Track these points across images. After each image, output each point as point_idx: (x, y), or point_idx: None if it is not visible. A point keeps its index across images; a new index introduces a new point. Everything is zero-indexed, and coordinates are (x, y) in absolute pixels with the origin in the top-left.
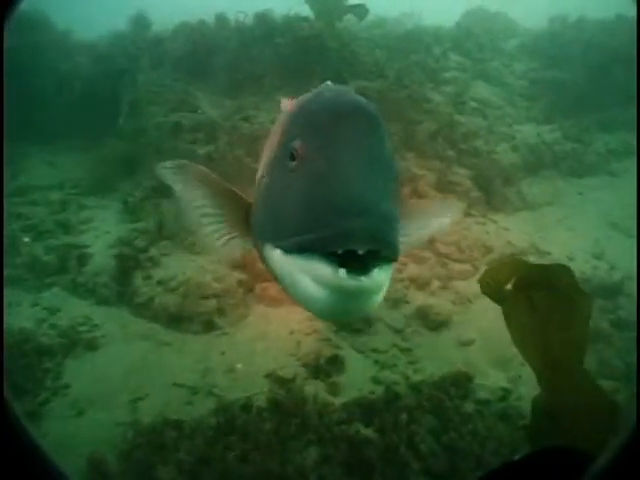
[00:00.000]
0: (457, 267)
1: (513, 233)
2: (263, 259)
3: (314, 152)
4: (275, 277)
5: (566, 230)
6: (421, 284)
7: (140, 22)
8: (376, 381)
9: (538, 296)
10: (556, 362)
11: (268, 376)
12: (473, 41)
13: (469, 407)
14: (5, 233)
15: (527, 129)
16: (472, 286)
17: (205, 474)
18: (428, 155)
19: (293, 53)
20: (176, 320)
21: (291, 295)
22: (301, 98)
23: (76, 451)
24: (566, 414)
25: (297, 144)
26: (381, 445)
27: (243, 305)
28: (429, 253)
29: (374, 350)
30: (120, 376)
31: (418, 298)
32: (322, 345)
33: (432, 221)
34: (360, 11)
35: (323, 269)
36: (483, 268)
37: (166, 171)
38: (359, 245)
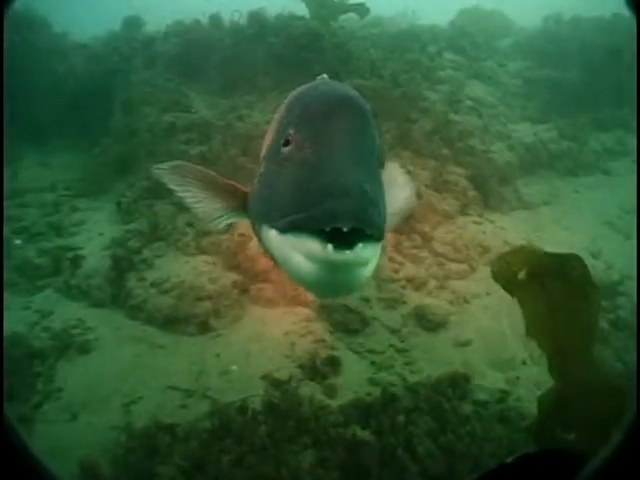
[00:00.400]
0: (454, 267)
1: (510, 232)
2: (261, 240)
3: (305, 140)
4: (272, 256)
5: (563, 229)
6: (418, 284)
7: (134, 22)
8: (373, 382)
9: (551, 284)
10: (566, 349)
11: (263, 378)
12: (468, 40)
13: (467, 408)
14: None
15: (522, 128)
16: (469, 286)
17: (199, 479)
18: (423, 154)
19: (287, 52)
20: (170, 322)
21: (286, 272)
22: (298, 89)
23: (69, 455)
24: (575, 398)
25: (291, 133)
26: (378, 448)
27: (238, 306)
28: (426, 252)
29: (370, 351)
30: (113, 379)
31: (415, 298)
32: (318, 346)
33: (398, 192)
34: (361, 10)
35: (313, 245)
36: (480, 268)
37: (161, 172)
38: (343, 223)
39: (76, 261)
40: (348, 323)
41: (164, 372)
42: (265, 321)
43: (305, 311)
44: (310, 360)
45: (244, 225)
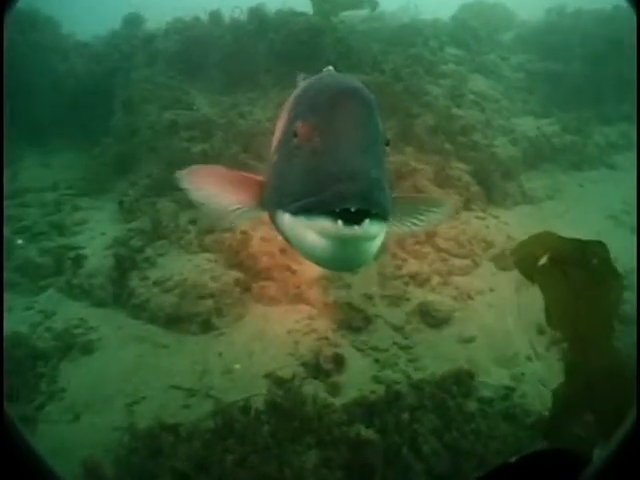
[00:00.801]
0: (457, 262)
1: (513, 227)
2: (275, 224)
3: (313, 130)
4: (286, 238)
5: (567, 224)
6: (421, 280)
7: (134, 20)
8: (377, 380)
9: (572, 271)
10: (587, 336)
11: (266, 376)
12: (470, 33)
13: (472, 406)
14: None
15: (525, 122)
16: (473, 282)
17: (203, 479)
18: (426, 149)
19: (287, 48)
20: (173, 321)
21: (300, 250)
22: (306, 82)
23: (72, 455)
24: (594, 384)
25: (299, 123)
26: (382, 446)
27: (240, 305)
28: (429, 248)
29: (374, 348)
30: (116, 379)
31: (418, 295)
32: (321, 344)
33: (428, 215)
34: (372, 3)
35: (324, 223)
36: (484, 263)
37: (181, 177)
38: (351, 204)
39: (78, 260)
40: (351, 321)
41: (167, 372)
42: (268, 319)
43: (308, 309)
44: (313, 358)
45: (246, 223)
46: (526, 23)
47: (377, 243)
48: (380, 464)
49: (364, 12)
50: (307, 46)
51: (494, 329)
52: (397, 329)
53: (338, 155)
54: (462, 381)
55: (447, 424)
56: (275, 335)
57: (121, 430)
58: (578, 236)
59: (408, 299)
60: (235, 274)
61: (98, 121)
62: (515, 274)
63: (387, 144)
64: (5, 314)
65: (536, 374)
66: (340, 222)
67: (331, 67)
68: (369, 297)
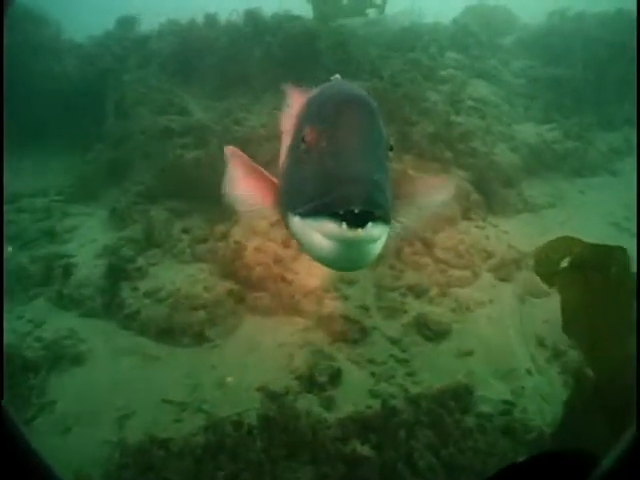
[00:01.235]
0: (456, 273)
1: (514, 237)
2: (287, 226)
3: (320, 136)
4: (297, 240)
5: (569, 232)
6: (419, 292)
7: (127, 21)
8: (373, 394)
9: (592, 276)
10: (603, 342)
11: (260, 390)
12: (471, 38)
13: (470, 421)
14: None
15: (526, 129)
16: (472, 293)
17: None
18: (425, 157)
19: (284, 53)
20: (165, 333)
21: (307, 252)
22: (315, 90)
23: (62, 470)
24: (609, 391)
25: (308, 129)
26: (378, 463)
27: (234, 316)
28: (427, 259)
29: (370, 361)
30: (106, 392)
31: (416, 307)
32: (316, 357)
33: (428, 200)
34: (378, 6)
35: (330, 225)
36: (483, 274)
37: (228, 151)
38: (354, 206)
39: (68, 269)
40: (347, 333)
41: (158, 385)
42: (262, 331)
43: (303, 321)
44: (308, 371)
45: (240, 232)
46: (528, 26)
47: (380, 244)
48: None
49: (370, 15)
50: (304, 50)
51: (494, 342)
52: (394, 342)
53: (342, 160)
54: (460, 395)
55: (444, 440)
56: (269, 347)
57: (111, 444)
58: None
59: (406, 311)
60: (229, 285)
61: (90, 125)
62: (515, 285)
63: (390, 149)
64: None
65: (537, 388)
66: (344, 225)
67: (338, 75)
68: (366, 309)
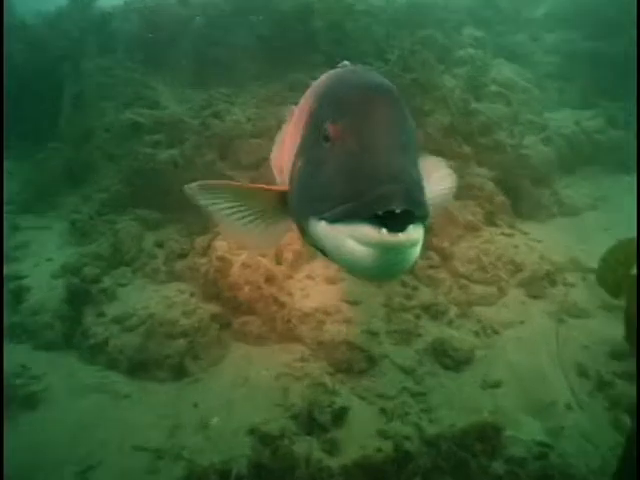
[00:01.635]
0: (479, 290)
1: (548, 246)
2: (307, 234)
3: (345, 132)
4: (319, 248)
5: (613, 239)
6: (435, 312)
7: None
8: (383, 435)
9: None
10: None
11: (250, 433)
12: (493, 10)
13: (499, 467)
14: None
15: (561, 116)
16: (499, 313)
17: None
18: (440, 153)
19: (272, 33)
20: (137, 366)
21: (338, 261)
22: (323, 81)
23: None
24: None
25: (330, 126)
26: None
27: (219, 345)
28: (444, 273)
29: (380, 396)
30: (67, 440)
31: (432, 330)
32: (316, 392)
33: (438, 180)
34: None
35: (367, 230)
36: (511, 290)
37: (192, 193)
38: (396, 206)
39: (19, 293)
40: (352, 362)
41: (129, 429)
42: (251, 362)
43: (300, 348)
44: (307, 409)
45: (224, 246)
46: None
47: (418, 248)
48: None
49: None
50: (296, 30)
51: (525, 371)
52: (407, 372)
53: (376, 157)
54: (487, 436)
55: None
56: (260, 381)
57: None
58: None
59: (420, 335)
60: (212, 308)
61: (43, 121)
62: (549, 303)
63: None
64: None
65: (578, 427)
66: (384, 229)
67: (347, 62)
68: (373, 333)
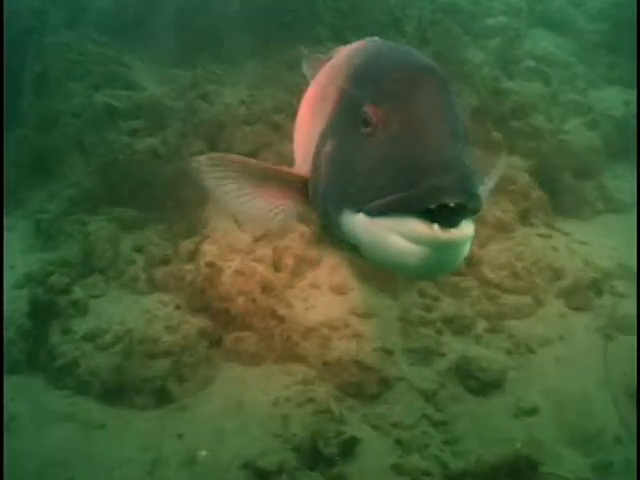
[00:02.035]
0: (512, 300)
1: (594, 248)
2: (335, 227)
3: (390, 116)
4: (348, 244)
5: None
6: (460, 327)
7: None
8: (399, 471)
9: None
10: None
11: (243, 467)
12: None
13: None
14: None
15: (609, 95)
16: (535, 328)
17: None
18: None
19: (269, 2)
20: (112, 391)
21: (376, 259)
22: (355, 57)
23: None
24: None
25: (371, 109)
26: None
27: (207, 365)
28: (471, 281)
29: (395, 425)
30: (31, 477)
31: (456, 347)
32: (321, 420)
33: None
34: None
35: (416, 225)
36: (550, 301)
37: (199, 167)
38: (451, 199)
39: None
40: (363, 385)
41: (103, 463)
42: (246, 385)
43: (302, 369)
44: (310, 440)
45: (213, 250)
46: None
47: (469, 245)
48: None
49: None
50: (295, 1)
51: (566, 396)
52: (427, 397)
53: (426, 145)
54: (520, 472)
55: None
56: (256, 407)
57: None
58: None
59: (442, 354)
60: (200, 322)
61: (4, 105)
62: (595, 316)
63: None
64: None
65: (630, 463)
66: (436, 225)
67: (376, 37)
68: (388, 352)
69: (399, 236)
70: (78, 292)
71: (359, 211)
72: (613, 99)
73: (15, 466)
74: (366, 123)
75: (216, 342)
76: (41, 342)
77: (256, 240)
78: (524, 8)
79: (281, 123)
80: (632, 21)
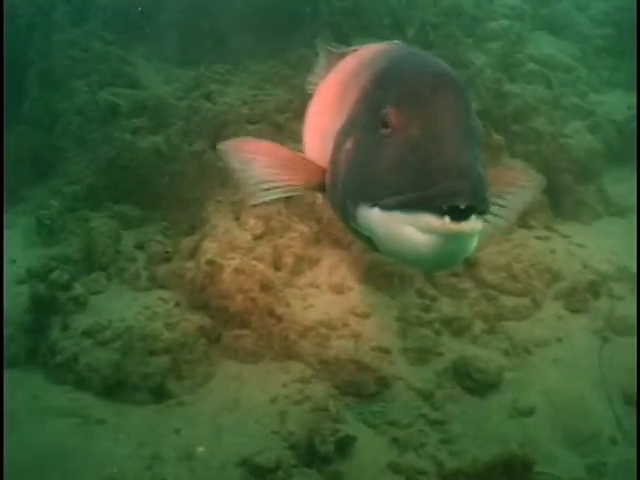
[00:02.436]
0: (510, 302)
1: (591, 252)
2: (351, 219)
3: (409, 119)
4: (358, 234)
5: None
6: (458, 328)
7: None
8: (395, 469)
9: None
10: None
11: (241, 464)
12: None
13: None
14: None
15: (612, 99)
16: (532, 329)
17: None
18: None
19: (272, 2)
20: (112, 387)
21: (389, 250)
22: (378, 60)
23: None
24: None
25: (391, 112)
26: None
27: (206, 362)
28: (469, 282)
29: (392, 424)
30: (29, 471)
31: (454, 347)
32: (318, 418)
33: (518, 192)
34: None
35: (430, 218)
36: (548, 303)
37: (225, 150)
38: (462, 201)
39: None
40: (360, 384)
41: (102, 458)
42: (244, 382)
43: (300, 367)
44: (306, 438)
45: (214, 248)
46: None
47: (476, 240)
48: None
49: None
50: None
51: (562, 397)
52: (424, 396)
53: (444, 149)
54: (515, 472)
55: None
56: (254, 405)
57: None
58: None
59: (440, 354)
60: (199, 319)
61: (5, 102)
62: (592, 318)
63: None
64: None
65: (624, 464)
66: (447, 218)
67: (398, 41)
68: (385, 351)
69: (413, 228)
70: (79, 288)
71: (375, 205)
72: (615, 103)
73: (15, 460)
74: (386, 124)
75: (215, 340)
76: (41, 338)
77: (256, 237)
78: (527, 11)
79: (284, 123)
80: (634, 25)
